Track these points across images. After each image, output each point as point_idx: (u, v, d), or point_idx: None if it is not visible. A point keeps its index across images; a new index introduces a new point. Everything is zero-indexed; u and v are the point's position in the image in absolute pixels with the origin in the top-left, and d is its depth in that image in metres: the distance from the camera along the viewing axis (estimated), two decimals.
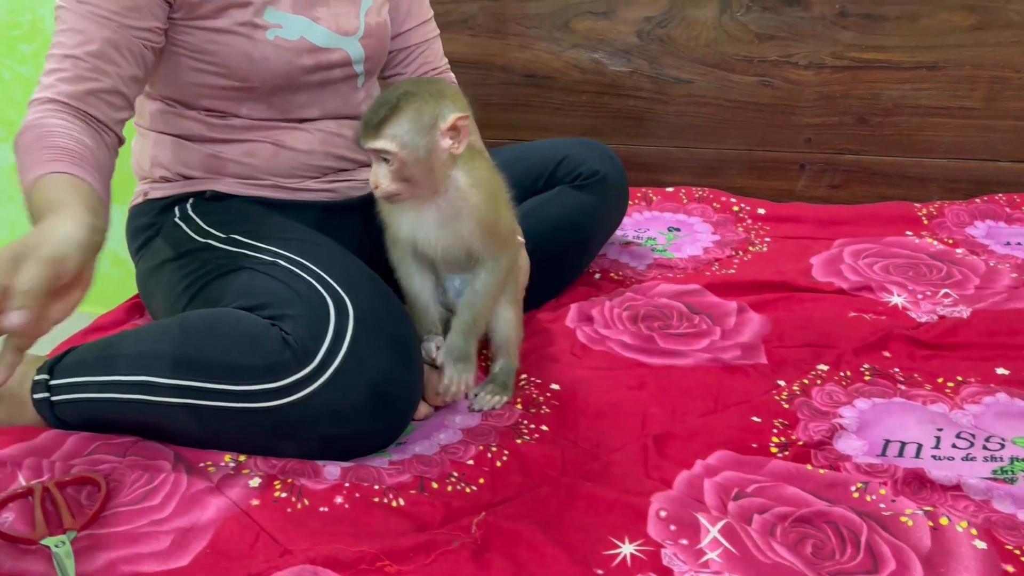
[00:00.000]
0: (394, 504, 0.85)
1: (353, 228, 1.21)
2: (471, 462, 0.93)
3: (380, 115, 0.90)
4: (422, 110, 0.90)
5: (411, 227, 1.00)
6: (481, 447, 0.96)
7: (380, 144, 0.90)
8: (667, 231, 1.59)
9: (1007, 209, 1.55)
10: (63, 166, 0.86)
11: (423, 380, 1.00)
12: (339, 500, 0.85)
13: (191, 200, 1.14)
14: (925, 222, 1.55)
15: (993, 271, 1.36)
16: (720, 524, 0.81)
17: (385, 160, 0.91)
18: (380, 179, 0.92)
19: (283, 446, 0.92)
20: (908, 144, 1.66)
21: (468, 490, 0.88)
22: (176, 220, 1.12)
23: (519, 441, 0.97)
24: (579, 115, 1.77)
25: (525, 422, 1.02)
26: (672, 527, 0.81)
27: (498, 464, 0.92)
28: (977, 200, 1.59)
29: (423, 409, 1.03)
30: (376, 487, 0.87)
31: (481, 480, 0.90)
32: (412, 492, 0.87)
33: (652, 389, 1.08)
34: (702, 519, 0.82)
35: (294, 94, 1.13)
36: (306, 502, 0.85)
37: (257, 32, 1.06)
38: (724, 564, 0.77)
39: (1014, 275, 1.34)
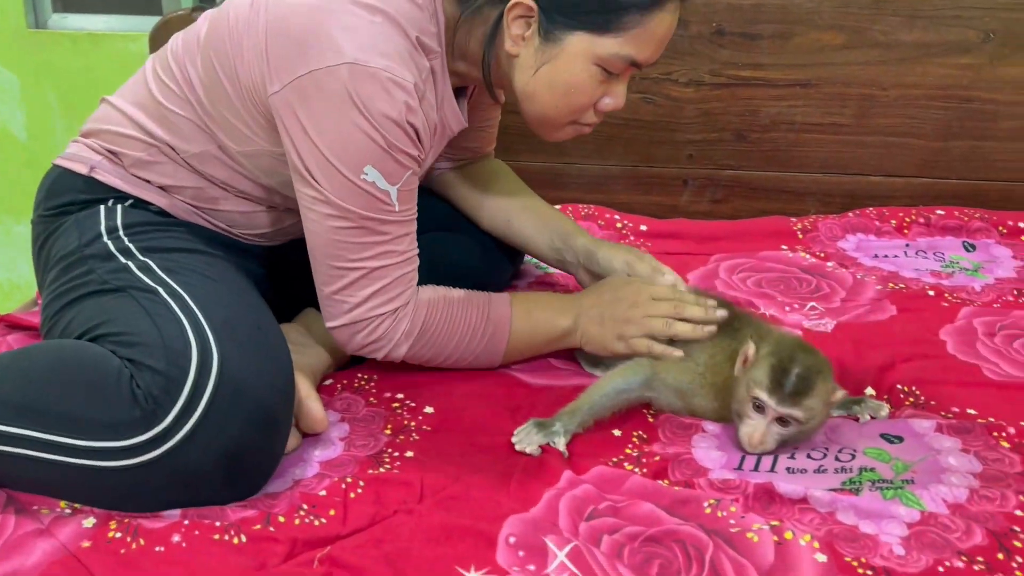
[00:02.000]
0: (235, 541, 0.82)
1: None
2: (323, 493, 0.90)
3: (799, 387, 0.92)
4: (827, 387, 0.94)
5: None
6: (336, 479, 0.93)
7: (796, 412, 0.92)
8: None
9: (876, 222, 1.61)
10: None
11: (286, 437, 0.96)
12: (176, 539, 0.82)
13: (131, 200, 1.06)
14: (800, 236, 1.59)
15: (860, 284, 1.40)
16: (568, 547, 0.80)
17: (783, 423, 0.94)
18: (767, 439, 0.94)
19: (125, 505, 0.87)
20: (785, 159, 1.70)
21: (317, 523, 0.85)
22: (99, 208, 1.04)
23: (380, 470, 0.95)
24: None
25: (390, 450, 0.99)
26: (521, 553, 0.80)
27: (352, 496, 0.90)
28: (850, 214, 1.64)
29: (292, 440, 0.99)
30: (217, 523, 0.83)
31: (332, 512, 0.87)
32: (256, 527, 0.84)
33: (527, 410, 1.07)
34: (550, 543, 0.81)
35: None
36: (141, 542, 0.81)
37: None
38: None
39: (879, 287, 1.38)
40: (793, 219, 1.63)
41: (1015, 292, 1.35)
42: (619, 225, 1.65)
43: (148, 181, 1.07)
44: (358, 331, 1.02)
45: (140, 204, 1.07)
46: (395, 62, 0.93)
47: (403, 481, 0.92)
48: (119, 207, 1.05)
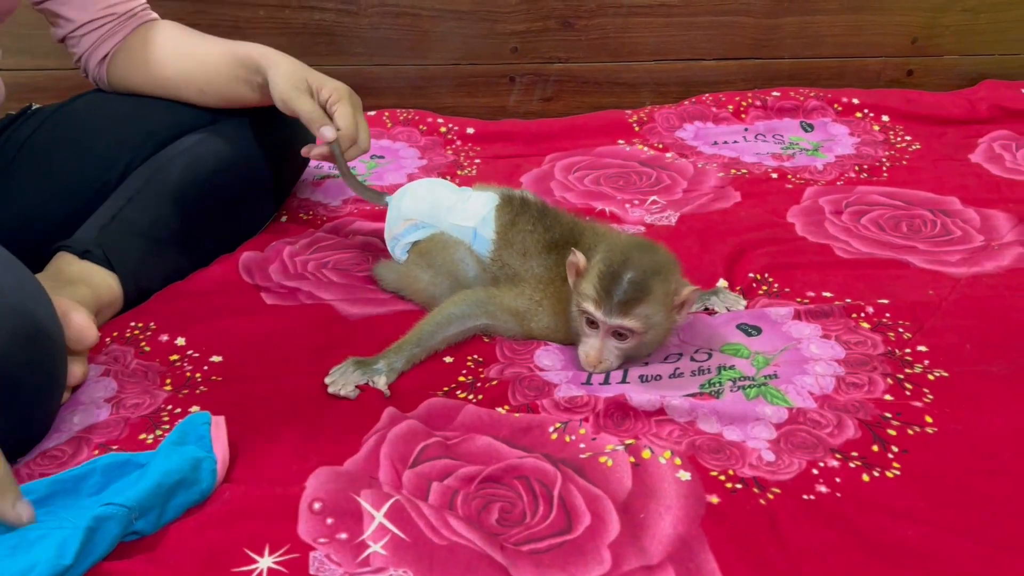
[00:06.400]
0: None
1: None
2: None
3: (628, 295, 0.78)
4: (667, 289, 0.80)
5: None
6: (96, 449, 0.73)
7: (629, 323, 0.79)
8: (369, 159, 1.40)
9: (713, 109, 1.52)
10: None
11: (64, 358, 0.77)
12: None
13: None
14: (636, 129, 1.47)
15: (701, 172, 1.31)
16: (388, 504, 0.65)
17: (619, 336, 0.80)
18: (606, 357, 0.82)
19: None
20: (615, 47, 1.57)
21: None
22: None
23: (152, 437, 0.76)
24: (259, 33, 1.52)
25: (170, 407, 0.81)
26: (329, 520, 0.64)
27: None
28: (686, 102, 1.54)
29: (77, 370, 0.81)
30: None
31: None
32: None
33: (343, 343, 0.90)
34: (365, 504, 0.65)
35: None
36: None
37: None
38: (389, 557, 0.61)
39: (721, 175, 1.29)
40: (628, 112, 1.51)
41: (856, 168, 1.30)
42: (443, 129, 1.48)
43: None
44: None
45: None
46: None
47: None
48: None
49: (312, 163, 1.34)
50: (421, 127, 1.49)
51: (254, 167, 1.12)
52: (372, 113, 1.52)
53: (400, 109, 1.53)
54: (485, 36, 1.56)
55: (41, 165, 1.05)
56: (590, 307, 0.79)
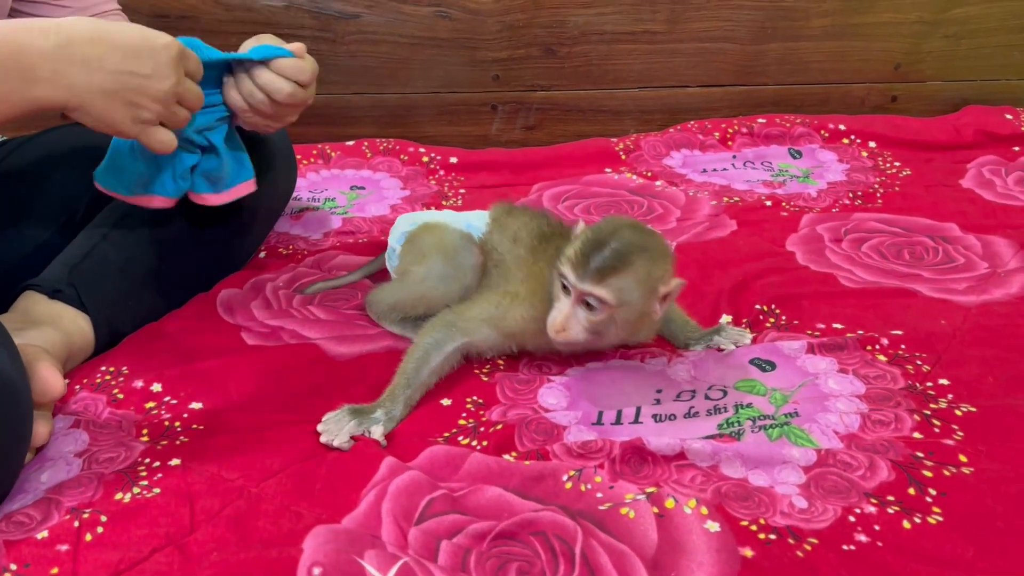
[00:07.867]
0: None
1: None
2: (44, 535, 0.64)
3: (607, 262, 0.74)
4: (651, 269, 0.76)
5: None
6: (68, 514, 0.67)
7: (599, 292, 0.75)
8: (349, 190, 1.35)
9: (700, 136, 1.49)
10: None
11: (30, 411, 0.70)
12: None
13: None
14: (623, 157, 1.44)
15: (693, 201, 1.27)
16: (395, 568, 0.59)
17: (589, 307, 0.76)
18: (571, 325, 0.77)
19: None
20: (599, 75, 1.55)
21: None
22: None
23: (133, 492, 0.69)
24: None
25: (147, 461, 0.74)
26: None
27: (88, 538, 0.64)
28: (671, 130, 1.52)
29: (42, 429, 0.74)
30: None
31: (55, 570, 0.61)
32: None
33: (331, 386, 0.85)
34: (369, 568, 0.59)
35: None
36: None
37: None
38: None
39: (713, 203, 1.26)
40: (614, 139, 1.49)
41: (850, 195, 1.28)
42: (425, 159, 1.44)
43: None
44: None
45: None
46: None
47: (165, 505, 0.68)
48: None
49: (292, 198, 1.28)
50: (402, 156, 1.44)
51: (234, 202, 1.06)
52: (351, 143, 1.48)
53: (380, 139, 1.49)
54: (466, 64, 1.52)
55: (7, 196, 0.98)
56: (566, 269, 0.76)
